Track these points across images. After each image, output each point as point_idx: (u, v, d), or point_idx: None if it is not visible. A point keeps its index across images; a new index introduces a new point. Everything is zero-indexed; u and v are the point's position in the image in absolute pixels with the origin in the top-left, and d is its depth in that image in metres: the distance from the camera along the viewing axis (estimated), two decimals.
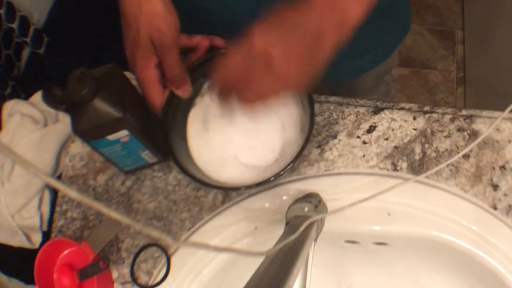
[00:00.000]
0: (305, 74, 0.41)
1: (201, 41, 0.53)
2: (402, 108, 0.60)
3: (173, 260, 0.56)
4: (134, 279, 0.56)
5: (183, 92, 0.52)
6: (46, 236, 0.64)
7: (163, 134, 0.52)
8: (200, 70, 0.54)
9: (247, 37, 0.40)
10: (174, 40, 0.47)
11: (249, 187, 0.49)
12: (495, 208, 0.55)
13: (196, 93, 0.56)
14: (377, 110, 0.60)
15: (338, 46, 0.41)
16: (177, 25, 0.48)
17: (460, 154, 0.53)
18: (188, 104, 0.56)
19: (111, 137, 0.50)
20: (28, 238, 0.64)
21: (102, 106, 0.47)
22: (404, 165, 0.57)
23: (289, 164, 0.49)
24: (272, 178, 0.49)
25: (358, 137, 0.59)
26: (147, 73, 0.49)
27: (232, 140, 0.55)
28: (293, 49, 0.40)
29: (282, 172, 0.48)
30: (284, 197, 0.57)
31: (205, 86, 0.57)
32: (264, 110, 0.44)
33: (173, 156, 0.51)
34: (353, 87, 0.78)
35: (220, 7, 0.58)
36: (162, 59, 0.48)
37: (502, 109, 0.52)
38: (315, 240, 0.47)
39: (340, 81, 0.74)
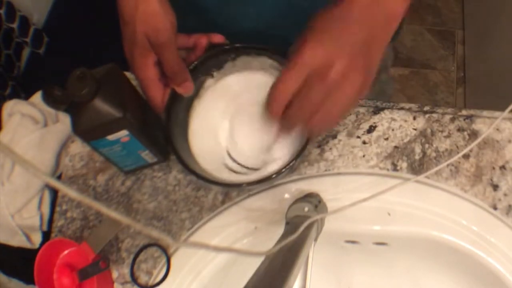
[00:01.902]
0: (367, 78, 0.39)
1: (199, 39, 0.53)
2: (402, 108, 0.60)
3: (173, 260, 0.56)
4: (134, 279, 0.56)
5: (185, 89, 0.52)
6: (46, 236, 0.64)
7: (165, 133, 0.52)
8: (200, 68, 0.54)
9: (300, 55, 0.38)
10: (170, 38, 0.47)
11: (250, 184, 0.49)
12: (495, 208, 0.55)
13: (197, 92, 0.56)
14: (377, 110, 0.60)
15: (388, 40, 0.40)
16: (173, 23, 0.48)
17: (460, 154, 0.53)
18: (189, 103, 0.56)
19: (111, 137, 0.50)
20: (28, 238, 0.64)
21: (102, 106, 0.47)
22: (404, 165, 0.57)
23: (290, 162, 0.49)
24: (274, 176, 0.49)
25: (358, 137, 0.59)
26: (146, 72, 0.49)
27: (227, 141, 0.55)
28: (350, 55, 0.37)
29: (283, 170, 0.48)
30: (284, 197, 0.57)
31: (207, 83, 0.56)
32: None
33: (176, 155, 0.51)
34: None
35: (219, 6, 0.58)
36: (160, 57, 0.48)
37: (502, 109, 0.53)
38: (315, 240, 0.47)
39: None
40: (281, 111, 0.41)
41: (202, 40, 0.53)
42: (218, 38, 0.53)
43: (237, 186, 0.53)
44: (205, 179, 0.50)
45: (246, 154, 0.54)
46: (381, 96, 0.85)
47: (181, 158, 0.50)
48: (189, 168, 0.50)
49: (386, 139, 0.59)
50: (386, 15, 0.39)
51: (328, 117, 0.40)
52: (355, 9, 0.38)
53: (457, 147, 0.58)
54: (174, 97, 0.52)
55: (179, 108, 0.54)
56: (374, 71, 0.39)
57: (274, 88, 0.40)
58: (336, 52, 0.37)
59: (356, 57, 0.38)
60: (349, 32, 0.38)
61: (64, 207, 0.60)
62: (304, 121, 0.41)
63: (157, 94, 0.51)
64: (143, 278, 0.56)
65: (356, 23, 0.38)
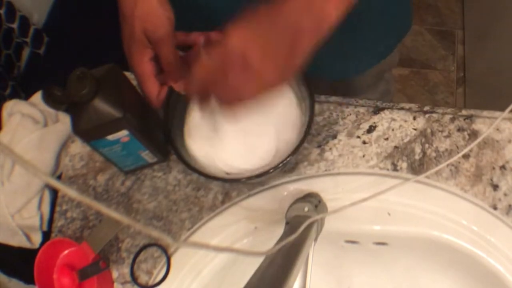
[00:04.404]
0: (283, 73, 0.41)
1: (197, 38, 0.53)
2: (402, 108, 0.60)
3: (173, 260, 0.56)
4: (134, 279, 0.56)
5: (182, 85, 0.52)
6: (46, 236, 0.64)
7: (165, 131, 0.52)
8: None
9: (222, 36, 0.40)
10: (167, 34, 0.48)
11: (249, 178, 0.50)
12: (495, 208, 0.55)
13: None
14: (377, 110, 0.60)
15: (316, 46, 0.41)
16: (171, 20, 0.48)
17: (460, 154, 0.53)
18: (186, 102, 0.56)
19: (111, 137, 0.50)
20: (28, 238, 0.64)
21: (102, 106, 0.47)
22: (404, 165, 0.57)
23: (288, 156, 0.49)
24: (271, 170, 0.49)
25: (358, 137, 0.59)
26: (142, 67, 0.49)
27: (224, 143, 0.55)
28: (270, 48, 0.40)
29: (280, 164, 0.49)
30: (284, 197, 0.57)
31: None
32: (244, 112, 0.43)
33: (176, 152, 0.51)
34: (353, 84, 0.78)
35: (218, 3, 0.58)
36: (157, 52, 0.49)
37: (502, 109, 0.53)
38: (315, 240, 0.47)
39: (340, 79, 0.74)
40: (199, 88, 0.44)
41: (200, 39, 0.53)
42: (216, 37, 0.53)
43: (236, 181, 0.54)
44: (204, 175, 0.51)
45: (235, 155, 0.54)
46: (386, 95, 0.85)
47: (180, 155, 0.51)
48: (188, 164, 0.50)
49: (386, 139, 0.59)
50: (317, 21, 0.40)
51: (236, 94, 0.42)
52: (289, 11, 0.39)
53: (457, 147, 0.58)
54: (173, 95, 0.52)
55: (178, 106, 0.54)
56: (291, 72, 0.41)
57: (197, 63, 0.42)
58: (258, 42, 0.39)
59: (277, 53, 0.40)
60: (277, 30, 0.40)
61: (64, 207, 0.60)
62: (215, 95, 0.43)
63: (153, 89, 0.51)
64: (143, 278, 0.56)
65: (286, 23, 0.40)
